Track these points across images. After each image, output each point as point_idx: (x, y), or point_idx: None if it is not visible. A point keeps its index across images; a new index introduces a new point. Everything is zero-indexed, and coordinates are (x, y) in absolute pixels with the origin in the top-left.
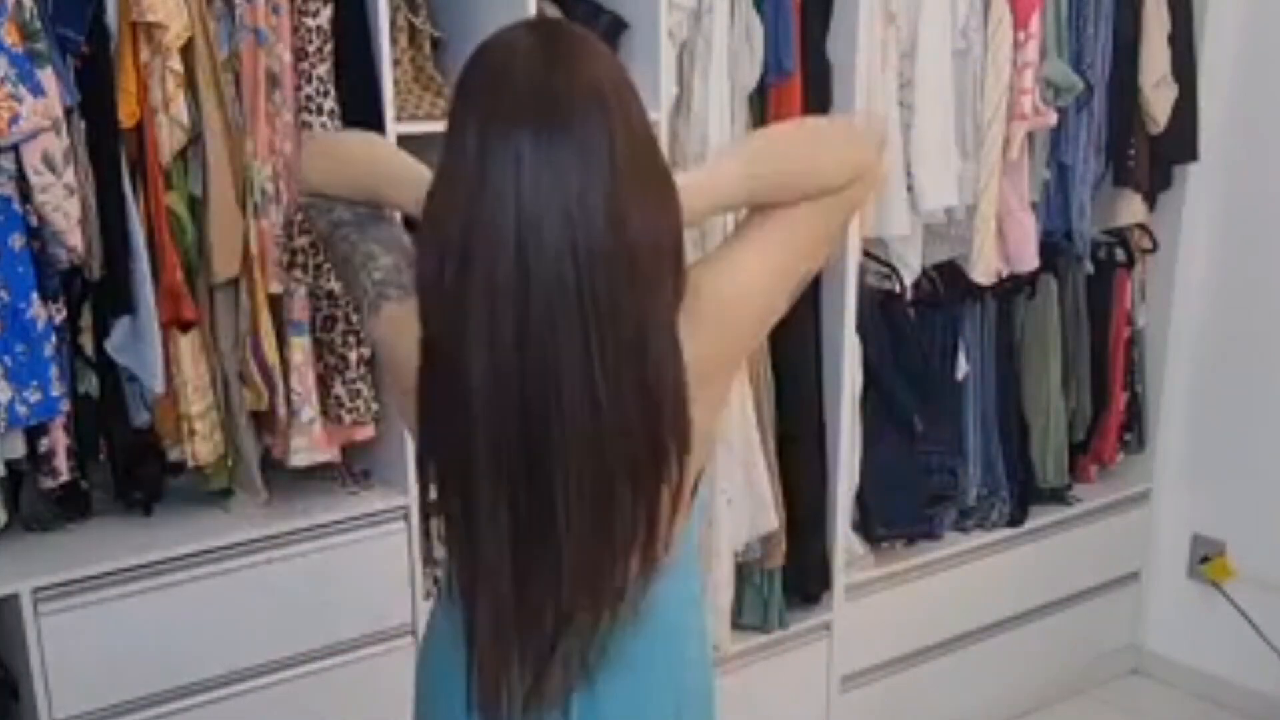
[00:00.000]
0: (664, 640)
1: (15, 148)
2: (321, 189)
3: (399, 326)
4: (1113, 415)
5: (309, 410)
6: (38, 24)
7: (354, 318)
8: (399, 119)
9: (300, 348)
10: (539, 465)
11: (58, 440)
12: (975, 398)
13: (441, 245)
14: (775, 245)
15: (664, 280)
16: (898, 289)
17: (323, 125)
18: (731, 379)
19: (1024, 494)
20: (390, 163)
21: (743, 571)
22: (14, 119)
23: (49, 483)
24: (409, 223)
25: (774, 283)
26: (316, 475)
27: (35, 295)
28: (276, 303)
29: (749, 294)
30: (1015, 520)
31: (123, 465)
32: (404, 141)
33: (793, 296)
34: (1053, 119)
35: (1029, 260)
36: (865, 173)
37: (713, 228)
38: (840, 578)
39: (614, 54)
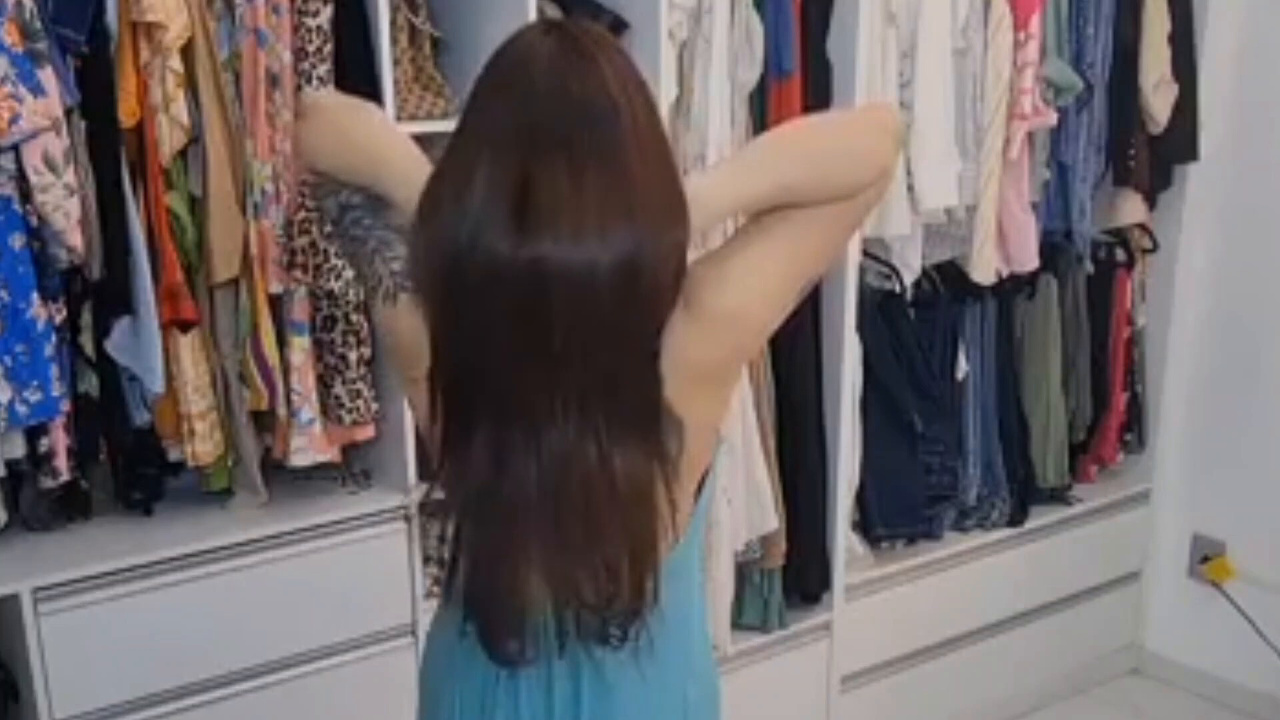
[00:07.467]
0: (671, 642)
1: (15, 148)
2: (324, 169)
3: (413, 317)
4: (1113, 415)
5: (309, 410)
6: (38, 24)
7: (354, 318)
8: (399, 119)
9: (300, 348)
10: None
11: (58, 440)
12: (975, 398)
13: (446, 247)
14: (789, 248)
15: (663, 293)
16: (898, 289)
17: None
18: (738, 378)
19: (1024, 494)
20: (394, 156)
21: (743, 571)
22: (14, 119)
23: (49, 483)
24: None
25: (785, 286)
26: (316, 475)
27: (35, 295)
28: (276, 303)
29: (760, 298)
30: (1015, 520)
31: (123, 465)
32: None
33: (801, 296)
34: (1053, 119)
35: (1029, 260)
36: (885, 173)
37: (713, 229)
38: (840, 578)
39: (629, 57)
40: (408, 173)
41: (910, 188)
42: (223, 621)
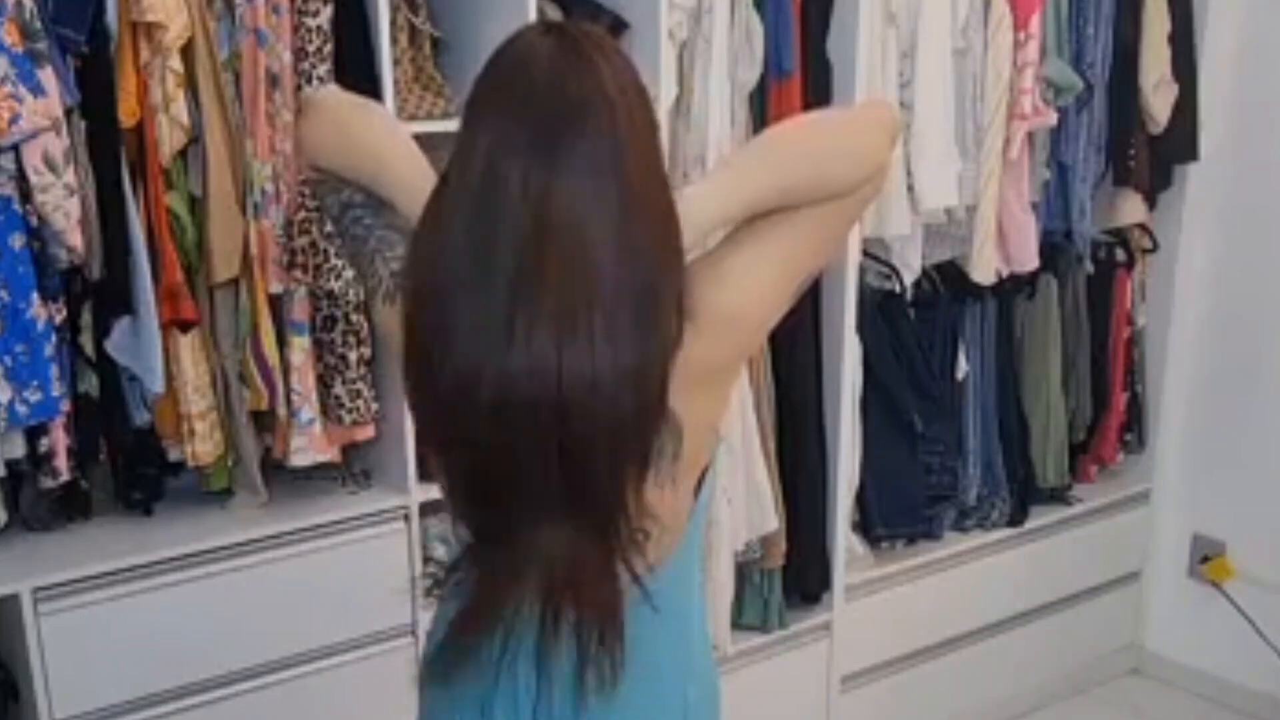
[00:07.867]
0: (670, 642)
1: (15, 148)
2: (324, 166)
3: None
4: (1113, 415)
5: (309, 410)
6: (38, 24)
7: (354, 318)
8: (399, 119)
9: (300, 348)
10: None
11: (58, 440)
12: (975, 398)
13: (442, 254)
14: (787, 247)
15: (666, 307)
16: (898, 289)
17: None
18: (738, 375)
19: (1024, 494)
20: (394, 158)
21: (743, 571)
22: (14, 119)
23: (49, 483)
24: None
25: (783, 286)
26: (316, 475)
27: (35, 295)
28: (276, 303)
29: (758, 298)
30: (1015, 520)
31: (123, 465)
32: None
33: (799, 292)
34: (1053, 119)
35: (1029, 260)
36: (882, 170)
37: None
38: (840, 578)
39: (628, 58)
40: (406, 175)
41: (910, 188)
42: (223, 621)
